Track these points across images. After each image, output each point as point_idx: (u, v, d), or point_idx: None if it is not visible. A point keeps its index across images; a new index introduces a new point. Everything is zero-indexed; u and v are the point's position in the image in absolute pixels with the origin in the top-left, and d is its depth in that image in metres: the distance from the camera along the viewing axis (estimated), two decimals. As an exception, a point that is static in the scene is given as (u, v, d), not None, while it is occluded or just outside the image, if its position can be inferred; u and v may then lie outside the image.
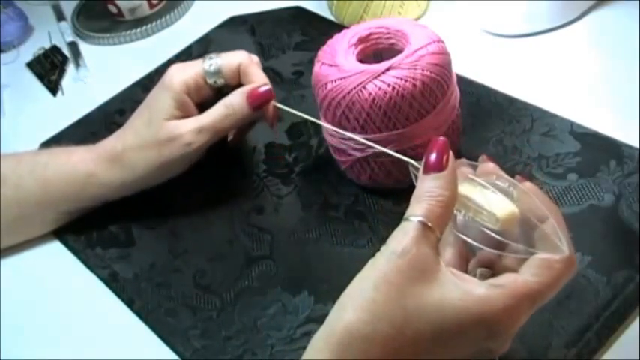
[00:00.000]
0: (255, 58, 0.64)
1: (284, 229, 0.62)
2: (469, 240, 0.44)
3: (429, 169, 0.41)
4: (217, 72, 0.62)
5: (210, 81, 0.62)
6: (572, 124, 0.64)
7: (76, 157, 0.64)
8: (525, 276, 0.40)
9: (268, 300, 0.57)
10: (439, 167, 0.41)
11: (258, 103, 0.61)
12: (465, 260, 0.46)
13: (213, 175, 0.67)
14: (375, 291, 0.39)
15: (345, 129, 0.58)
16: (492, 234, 0.42)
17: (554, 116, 0.65)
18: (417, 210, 0.40)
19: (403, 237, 0.40)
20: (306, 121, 0.59)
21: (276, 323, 0.55)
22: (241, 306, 0.57)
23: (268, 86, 0.62)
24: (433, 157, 0.41)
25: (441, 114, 0.58)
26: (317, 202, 0.63)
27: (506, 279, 0.41)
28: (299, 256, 0.60)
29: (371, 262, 0.40)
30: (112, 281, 0.62)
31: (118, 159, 0.62)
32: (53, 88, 0.87)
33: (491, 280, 0.41)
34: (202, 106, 0.63)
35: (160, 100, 0.62)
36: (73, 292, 0.63)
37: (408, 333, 0.39)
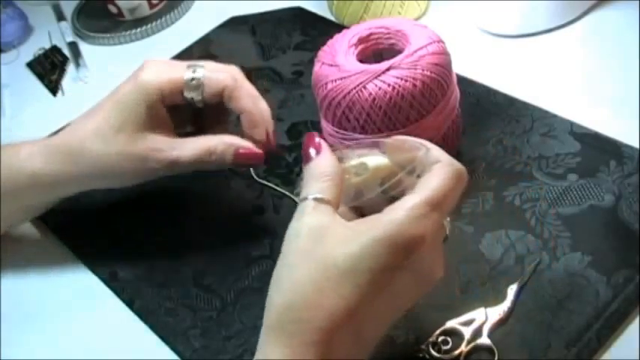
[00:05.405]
0: (240, 78, 0.58)
1: (284, 229, 0.62)
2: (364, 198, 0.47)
3: (309, 157, 0.46)
4: (198, 88, 0.57)
5: (188, 96, 0.57)
6: (572, 124, 0.64)
7: (24, 153, 0.60)
8: (418, 192, 0.43)
9: (268, 300, 0.57)
10: (318, 149, 0.46)
11: (243, 163, 0.59)
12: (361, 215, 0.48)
13: (214, 176, 0.67)
14: (293, 269, 0.42)
15: (345, 129, 0.58)
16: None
17: (554, 116, 0.65)
18: (312, 188, 0.44)
19: (301, 217, 0.44)
20: (306, 121, 0.58)
21: (276, 323, 0.55)
22: (241, 306, 0.57)
23: (260, 152, 0.58)
24: (310, 145, 0.46)
25: (440, 114, 0.58)
26: (317, 202, 0.63)
27: (403, 199, 0.43)
28: (299, 256, 0.59)
29: (283, 250, 0.44)
30: (112, 281, 0.62)
31: (72, 153, 0.59)
32: (53, 88, 0.87)
33: (391, 206, 0.43)
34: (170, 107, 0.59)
35: (132, 104, 0.57)
36: (73, 292, 0.63)
37: (337, 290, 0.41)
